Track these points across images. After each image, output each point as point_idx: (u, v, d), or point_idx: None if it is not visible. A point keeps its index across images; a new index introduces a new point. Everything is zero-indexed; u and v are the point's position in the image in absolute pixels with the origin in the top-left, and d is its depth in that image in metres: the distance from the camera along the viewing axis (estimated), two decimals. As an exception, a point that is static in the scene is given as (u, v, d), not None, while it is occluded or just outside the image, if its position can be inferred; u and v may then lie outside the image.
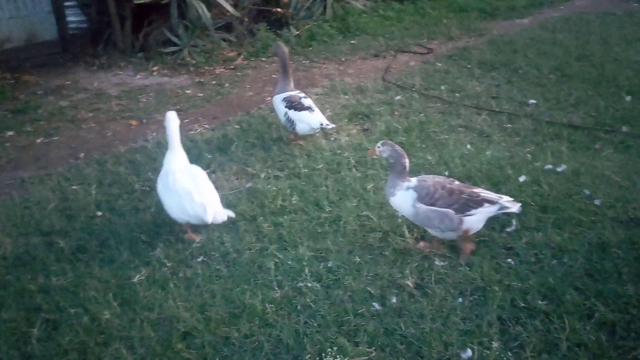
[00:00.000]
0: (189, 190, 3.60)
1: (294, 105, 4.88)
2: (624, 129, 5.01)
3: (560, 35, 8.21)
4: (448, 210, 3.28)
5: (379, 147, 3.47)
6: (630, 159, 4.50)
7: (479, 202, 3.27)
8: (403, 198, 3.38)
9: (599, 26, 8.81)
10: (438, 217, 3.30)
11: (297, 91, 5.05)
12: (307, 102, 4.93)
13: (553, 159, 4.41)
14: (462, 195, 3.29)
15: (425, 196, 3.33)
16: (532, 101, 5.77)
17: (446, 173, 4.30)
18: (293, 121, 4.88)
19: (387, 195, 3.47)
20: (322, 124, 4.86)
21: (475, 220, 3.31)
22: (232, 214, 3.81)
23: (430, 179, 3.41)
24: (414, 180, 3.40)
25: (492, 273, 3.19)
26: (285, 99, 4.94)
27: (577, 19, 9.26)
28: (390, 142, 3.49)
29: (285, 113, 4.90)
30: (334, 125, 4.99)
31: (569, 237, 3.43)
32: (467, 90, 6.21)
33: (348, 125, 5.47)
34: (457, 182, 3.43)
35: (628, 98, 5.70)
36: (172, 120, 3.81)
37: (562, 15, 9.71)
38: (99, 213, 4.14)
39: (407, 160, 3.41)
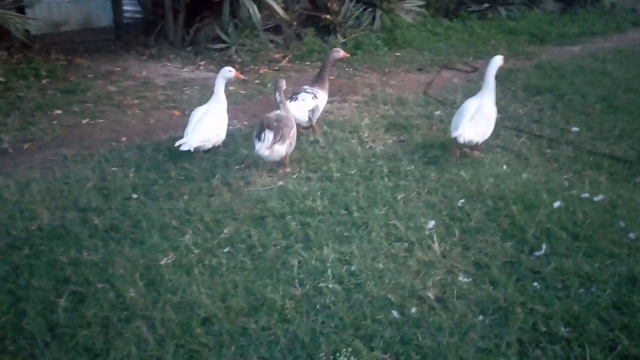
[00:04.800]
0: (191, 122, 4.77)
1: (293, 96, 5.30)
2: (668, 165, 4.86)
3: (610, 66, 8.03)
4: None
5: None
6: (672, 196, 4.36)
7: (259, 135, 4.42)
8: None
9: (652, 60, 8.58)
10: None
11: (310, 87, 5.34)
12: (301, 95, 5.23)
13: (590, 188, 4.31)
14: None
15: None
16: (574, 129, 5.66)
17: (485, 190, 4.27)
18: None
19: None
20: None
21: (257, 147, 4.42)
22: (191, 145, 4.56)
23: (274, 115, 4.53)
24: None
25: (516, 294, 3.14)
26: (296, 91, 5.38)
27: (629, 51, 9.04)
28: (281, 81, 4.67)
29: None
30: (309, 121, 5.34)
31: (599, 267, 3.35)
32: (508, 112, 6.13)
33: (385, 134, 5.49)
34: (284, 124, 4.46)
35: (675, 135, 5.54)
36: (221, 75, 4.88)
37: (614, 46, 9.49)
38: (135, 195, 4.27)
39: (277, 95, 4.62)
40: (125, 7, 8.79)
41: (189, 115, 4.98)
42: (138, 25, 8.86)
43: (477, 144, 4.88)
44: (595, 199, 4.12)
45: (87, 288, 3.25)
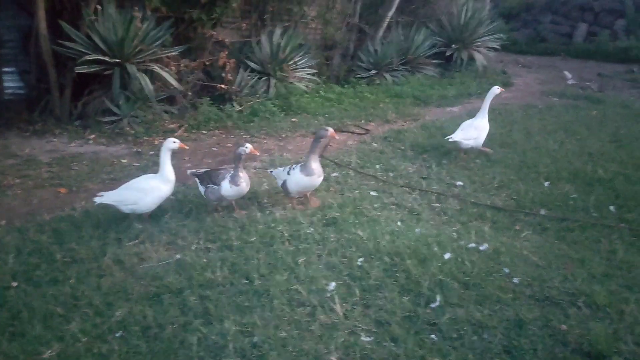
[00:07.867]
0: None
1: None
2: (542, 212, 5.33)
3: (486, 123, 8.80)
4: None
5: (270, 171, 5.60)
6: (547, 240, 4.76)
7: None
8: None
9: (521, 117, 9.54)
10: None
11: (297, 163, 5.44)
12: (278, 170, 5.47)
13: (476, 238, 4.60)
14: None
15: None
16: (459, 183, 6.08)
17: (382, 247, 4.40)
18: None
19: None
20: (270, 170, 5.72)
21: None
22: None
23: (222, 169, 5.18)
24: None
25: (416, 349, 3.21)
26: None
27: (502, 109, 10.00)
28: (244, 148, 4.88)
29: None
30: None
31: (488, 313, 3.53)
32: (400, 170, 6.47)
33: (284, 199, 5.54)
34: (208, 177, 5.03)
35: (546, 183, 6.11)
36: (165, 147, 4.88)
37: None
38: (14, 284, 3.92)
39: (235, 159, 4.96)
40: (6, 84, 8.36)
41: (76, 191, 4.74)
42: (20, 102, 8.42)
43: (472, 147, 6.71)
44: (481, 248, 4.40)
45: (-46, 395, 2.88)
